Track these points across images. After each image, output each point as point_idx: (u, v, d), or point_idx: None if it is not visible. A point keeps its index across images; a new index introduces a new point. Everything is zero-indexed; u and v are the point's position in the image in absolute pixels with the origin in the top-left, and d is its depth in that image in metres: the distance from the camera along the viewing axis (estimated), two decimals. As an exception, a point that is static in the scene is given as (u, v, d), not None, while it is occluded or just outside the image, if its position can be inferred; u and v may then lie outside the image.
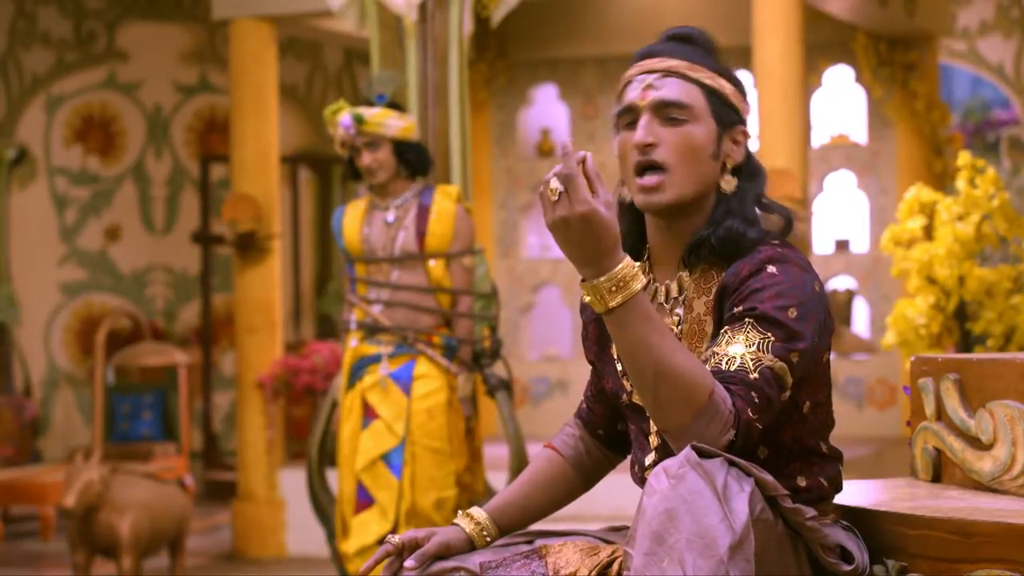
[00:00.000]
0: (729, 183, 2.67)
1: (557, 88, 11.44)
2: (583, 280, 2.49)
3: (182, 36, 12.02)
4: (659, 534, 2.38)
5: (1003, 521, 2.54)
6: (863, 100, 10.86)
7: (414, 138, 5.90)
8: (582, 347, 2.88)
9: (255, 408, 9.14)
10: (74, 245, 11.82)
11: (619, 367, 2.73)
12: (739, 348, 2.53)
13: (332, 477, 6.30)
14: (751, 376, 2.51)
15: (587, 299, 2.50)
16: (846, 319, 10.74)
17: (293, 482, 8.90)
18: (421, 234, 5.83)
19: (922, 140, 10.62)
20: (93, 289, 11.87)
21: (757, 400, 2.51)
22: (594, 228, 2.43)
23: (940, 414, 2.97)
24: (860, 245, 10.87)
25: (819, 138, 10.89)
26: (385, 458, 5.77)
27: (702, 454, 2.44)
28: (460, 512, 2.79)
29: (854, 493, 2.83)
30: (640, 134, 2.64)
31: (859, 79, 10.78)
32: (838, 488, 2.72)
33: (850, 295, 10.76)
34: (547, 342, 11.34)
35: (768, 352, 2.53)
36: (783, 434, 2.63)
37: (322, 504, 6.49)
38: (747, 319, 2.55)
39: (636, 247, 2.74)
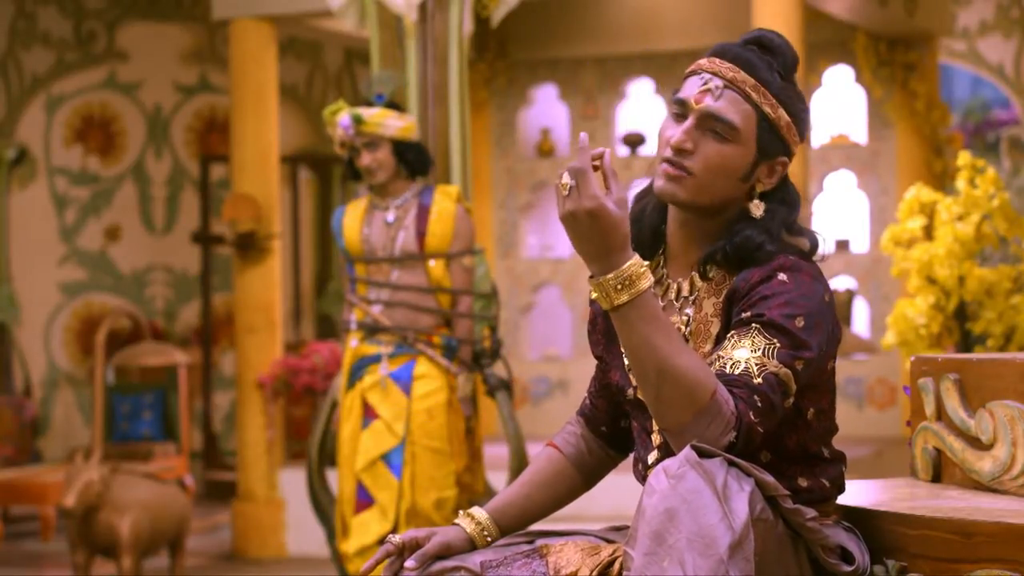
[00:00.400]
0: (758, 208, 2.66)
1: (557, 88, 11.44)
2: (591, 276, 2.49)
3: (182, 36, 12.02)
4: (659, 534, 2.38)
5: (1003, 521, 2.54)
6: (863, 100, 10.86)
7: (413, 138, 5.90)
8: (588, 341, 2.88)
9: (255, 408, 9.14)
10: (74, 245, 11.82)
11: (626, 362, 2.73)
12: (744, 353, 2.53)
13: (332, 477, 6.30)
14: (755, 380, 2.51)
15: (594, 295, 2.50)
16: (846, 319, 10.74)
17: (293, 482, 8.90)
18: (421, 234, 5.83)
19: (922, 140, 10.62)
20: (93, 289, 11.87)
21: (760, 404, 2.50)
22: (601, 224, 2.43)
23: (940, 414, 2.97)
24: (860, 245, 10.87)
25: (819, 138, 10.89)
26: (385, 458, 5.77)
27: (702, 454, 2.44)
28: (461, 512, 2.79)
29: (854, 493, 2.83)
30: (680, 136, 2.63)
31: (859, 79, 10.78)
32: (840, 489, 2.72)
33: (850, 295, 10.76)
34: (547, 342, 11.34)
35: (773, 358, 2.52)
36: (787, 440, 2.63)
37: (322, 504, 6.49)
38: (754, 324, 2.54)
39: (655, 242, 2.74)
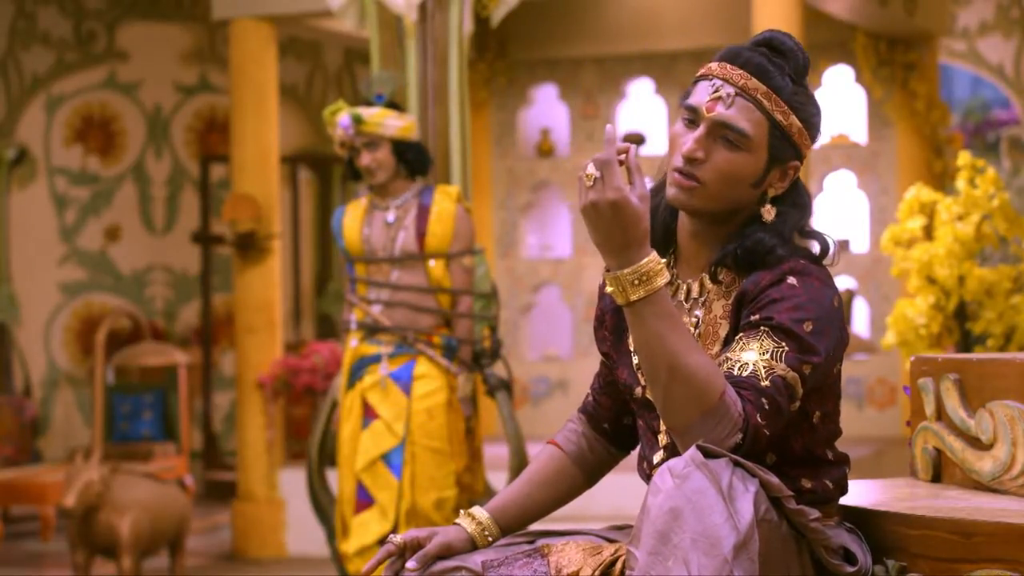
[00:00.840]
0: (769, 212, 2.65)
1: (557, 88, 11.44)
2: (607, 270, 2.49)
3: (182, 36, 12.02)
4: (664, 533, 2.38)
5: (1003, 521, 2.54)
6: (863, 100, 10.86)
7: (413, 138, 5.90)
8: (594, 337, 2.87)
9: (255, 408, 9.14)
10: (74, 245, 11.82)
11: (635, 360, 2.73)
12: (752, 355, 2.53)
13: (332, 477, 6.30)
14: (762, 383, 2.51)
15: (609, 289, 2.50)
16: (846, 319, 10.75)
17: (293, 482, 8.90)
18: (421, 234, 5.83)
19: (922, 140, 10.62)
20: (93, 289, 11.87)
21: (767, 407, 2.50)
22: (623, 217, 2.43)
23: (940, 414, 2.97)
24: (860, 245, 10.87)
25: (819, 138, 10.87)
26: (385, 458, 5.77)
27: (708, 454, 2.44)
28: (462, 512, 2.79)
29: (854, 493, 2.83)
30: (691, 146, 2.62)
31: (859, 79, 10.78)
32: (843, 491, 2.72)
33: (850, 295, 10.76)
34: (547, 342, 11.34)
35: (781, 361, 2.53)
36: (793, 443, 2.63)
37: (322, 504, 6.49)
38: (763, 327, 2.54)
39: (666, 240, 2.73)
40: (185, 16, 11.94)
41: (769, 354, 2.53)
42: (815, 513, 2.52)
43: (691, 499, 2.38)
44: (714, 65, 2.66)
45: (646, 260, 2.46)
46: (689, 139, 2.62)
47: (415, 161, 5.87)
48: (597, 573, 2.62)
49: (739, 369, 2.52)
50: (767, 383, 2.51)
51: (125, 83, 11.95)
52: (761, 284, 2.58)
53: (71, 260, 11.82)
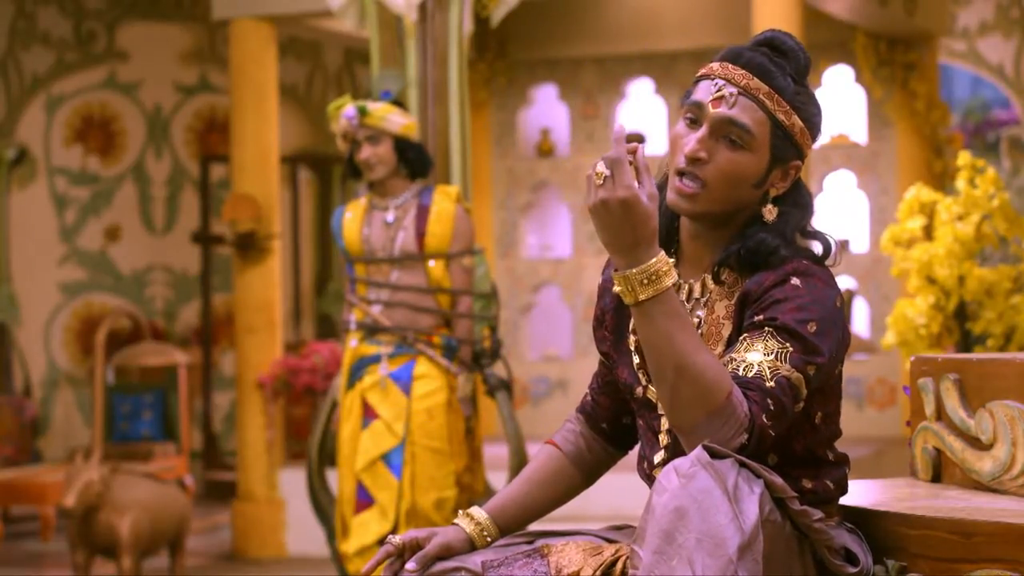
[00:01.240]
0: (771, 212, 2.65)
1: (557, 88, 11.44)
2: (616, 269, 2.49)
3: (182, 36, 12.02)
4: (668, 532, 2.38)
5: (1003, 521, 2.54)
6: (863, 100, 10.86)
7: (415, 138, 5.90)
8: (593, 337, 2.87)
9: (255, 408, 9.14)
10: (74, 245, 11.82)
11: (635, 359, 2.73)
12: (757, 356, 2.53)
13: (332, 477, 6.30)
14: (768, 384, 2.51)
15: (618, 289, 2.49)
16: (848, 319, 10.74)
17: (293, 482, 8.90)
18: (421, 234, 5.83)
19: (922, 140, 10.62)
20: (93, 289, 11.87)
21: (772, 407, 2.51)
22: (632, 215, 2.43)
23: (940, 414, 2.97)
24: (860, 245, 10.87)
25: (819, 138, 10.87)
26: (385, 458, 5.77)
27: (713, 454, 2.44)
28: (460, 512, 2.79)
29: (855, 493, 2.83)
30: (694, 146, 2.61)
31: (859, 79, 10.78)
32: (843, 491, 2.72)
33: (850, 295, 10.76)
34: (547, 342, 11.34)
35: (786, 362, 2.53)
36: (795, 443, 2.63)
37: (322, 504, 6.49)
38: (767, 328, 2.54)
39: (668, 240, 2.73)
40: (185, 16, 11.94)
41: (774, 355, 2.53)
42: (818, 514, 2.52)
43: (696, 499, 2.39)
44: (716, 65, 2.66)
45: (655, 260, 2.46)
46: (692, 139, 2.62)
47: (416, 161, 5.87)
48: (598, 573, 2.62)
49: (744, 370, 2.52)
50: (772, 384, 2.51)
51: (125, 83, 11.96)
52: (764, 284, 2.58)
53: (71, 260, 11.82)
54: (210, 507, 10.60)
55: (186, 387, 10.14)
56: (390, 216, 5.88)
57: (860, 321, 10.94)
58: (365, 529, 5.74)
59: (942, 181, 10.26)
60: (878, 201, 10.77)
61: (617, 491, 5.09)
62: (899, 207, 6.56)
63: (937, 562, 2.58)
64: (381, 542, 5.70)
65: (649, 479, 2.71)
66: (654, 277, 2.46)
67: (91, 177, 11.89)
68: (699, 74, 2.68)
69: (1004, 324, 6.15)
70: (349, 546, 5.77)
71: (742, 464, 2.46)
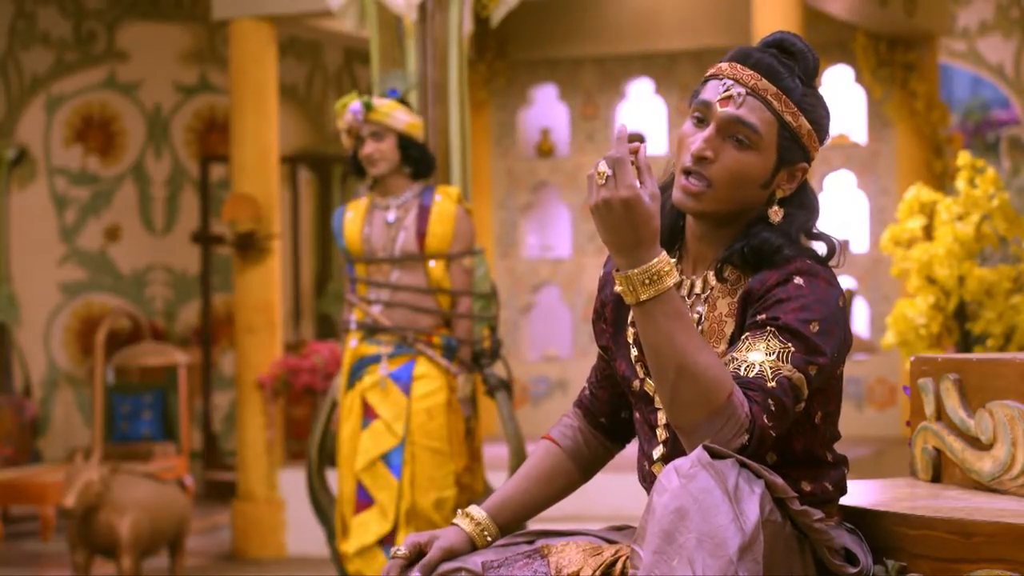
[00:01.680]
0: (777, 214, 2.65)
1: (557, 88, 11.44)
2: (617, 269, 2.48)
3: (182, 36, 12.02)
4: (669, 532, 2.38)
5: (1003, 521, 2.54)
6: (863, 100, 10.86)
7: (419, 137, 5.90)
8: (592, 330, 2.86)
9: (255, 408, 9.14)
10: (74, 245, 11.82)
11: (634, 352, 2.73)
12: (759, 355, 2.53)
13: (332, 477, 6.30)
14: (769, 384, 2.50)
15: (619, 288, 2.49)
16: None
17: (293, 482, 8.90)
18: (421, 235, 5.83)
19: (922, 140, 10.62)
20: (93, 289, 11.87)
21: (773, 408, 2.50)
22: (634, 215, 2.43)
23: (940, 414, 2.97)
24: (860, 245, 10.87)
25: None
26: (385, 458, 5.77)
27: (714, 455, 2.44)
28: (459, 512, 2.79)
29: (855, 493, 2.83)
30: (700, 145, 2.61)
31: (859, 79, 10.78)
32: (842, 492, 2.72)
33: (850, 295, 10.76)
34: (547, 342, 11.34)
35: (788, 362, 2.52)
36: (794, 443, 2.63)
37: (322, 504, 6.49)
38: (769, 328, 2.54)
39: (673, 238, 2.73)
40: (185, 16, 11.94)
41: (775, 355, 2.52)
42: (819, 514, 2.53)
43: (697, 499, 2.39)
44: (724, 65, 2.66)
45: (656, 260, 2.46)
46: (698, 138, 2.62)
47: (419, 160, 5.87)
48: (597, 573, 2.62)
49: (745, 369, 2.52)
50: (773, 384, 2.51)
51: (125, 83, 11.96)
52: (767, 283, 2.58)
53: (71, 260, 11.82)
54: (210, 507, 10.60)
55: (186, 387, 10.13)
56: (391, 216, 5.88)
57: (860, 321, 10.94)
58: (365, 529, 5.74)
59: (942, 181, 10.26)
60: (878, 201, 10.77)
61: (617, 491, 5.09)
62: (899, 207, 6.56)
63: (937, 562, 2.58)
64: (381, 542, 5.70)
65: (648, 475, 2.71)
66: (655, 277, 2.46)
67: (91, 177, 11.89)
68: (708, 74, 2.68)
69: (1004, 324, 6.15)
70: (349, 546, 5.77)
71: (742, 464, 2.46)
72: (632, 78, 11.28)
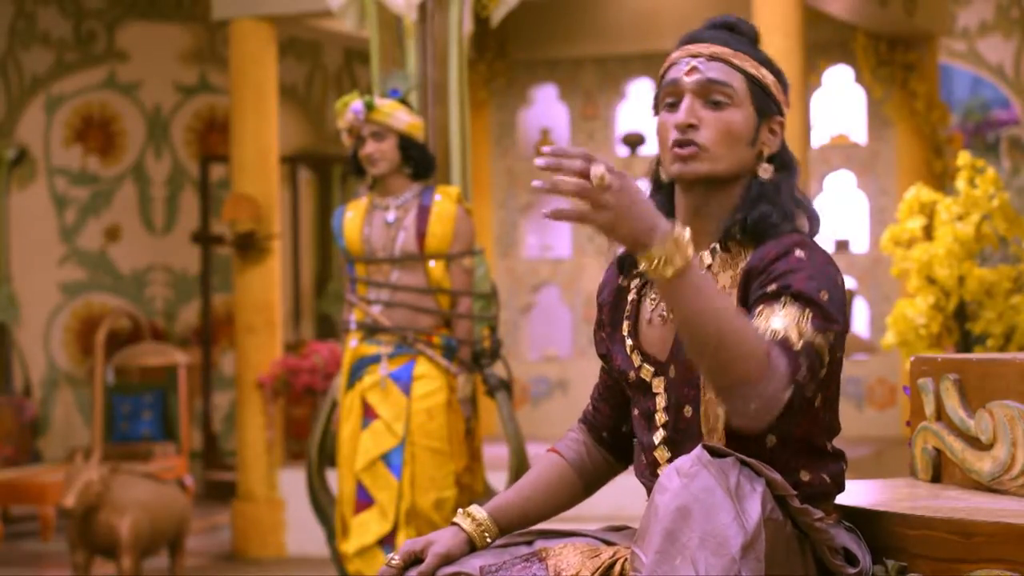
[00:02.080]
0: (767, 171, 2.69)
1: (557, 88, 11.44)
2: (645, 248, 2.40)
3: (182, 36, 12.02)
4: (671, 532, 2.38)
5: (1003, 521, 2.54)
6: (863, 100, 10.86)
7: (420, 137, 5.90)
8: (594, 340, 2.86)
9: (255, 408, 9.15)
10: (74, 245, 11.82)
11: (629, 342, 2.73)
12: (780, 322, 2.52)
13: (332, 477, 6.30)
14: (796, 347, 2.50)
15: (651, 268, 2.40)
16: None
17: (293, 482, 8.90)
18: (421, 235, 5.83)
19: (922, 140, 10.62)
20: (93, 289, 11.87)
21: (804, 368, 2.50)
22: (641, 193, 2.42)
23: (940, 414, 2.98)
24: (860, 245, 10.88)
25: (819, 138, 10.89)
26: (385, 458, 5.77)
27: (714, 453, 2.44)
28: (460, 511, 2.78)
29: (854, 493, 2.83)
30: (682, 115, 2.66)
31: (859, 79, 10.78)
32: (840, 487, 2.72)
33: (850, 295, 10.76)
34: (547, 342, 11.34)
35: (809, 326, 2.52)
36: (794, 427, 2.63)
37: (322, 504, 6.49)
38: (783, 296, 2.54)
39: None
40: (185, 16, 11.94)
41: (795, 320, 2.52)
42: (819, 513, 2.53)
43: (699, 498, 2.39)
44: (676, 52, 2.76)
45: (675, 226, 2.42)
46: (680, 111, 2.67)
47: (419, 160, 5.86)
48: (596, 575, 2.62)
49: (771, 336, 2.50)
50: (800, 346, 2.50)
51: (125, 83, 11.96)
52: (768, 257, 2.59)
53: (71, 260, 11.82)
54: (210, 507, 10.60)
55: (186, 387, 10.14)
56: (391, 216, 5.88)
57: (860, 321, 10.94)
58: (365, 529, 5.74)
59: (942, 181, 10.26)
60: (878, 201, 10.77)
61: (617, 491, 5.08)
62: (899, 207, 6.56)
63: (937, 562, 2.58)
64: (381, 542, 5.70)
65: (647, 472, 2.71)
66: (681, 241, 2.41)
67: (91, 177, 11.89)
68: (664, 67, 2.76)
69: (1004, 324, 6.15)
70: (349, 546, 5.77)
71: (743, 463, 2.46)
72: (632, 78, 11.28)
